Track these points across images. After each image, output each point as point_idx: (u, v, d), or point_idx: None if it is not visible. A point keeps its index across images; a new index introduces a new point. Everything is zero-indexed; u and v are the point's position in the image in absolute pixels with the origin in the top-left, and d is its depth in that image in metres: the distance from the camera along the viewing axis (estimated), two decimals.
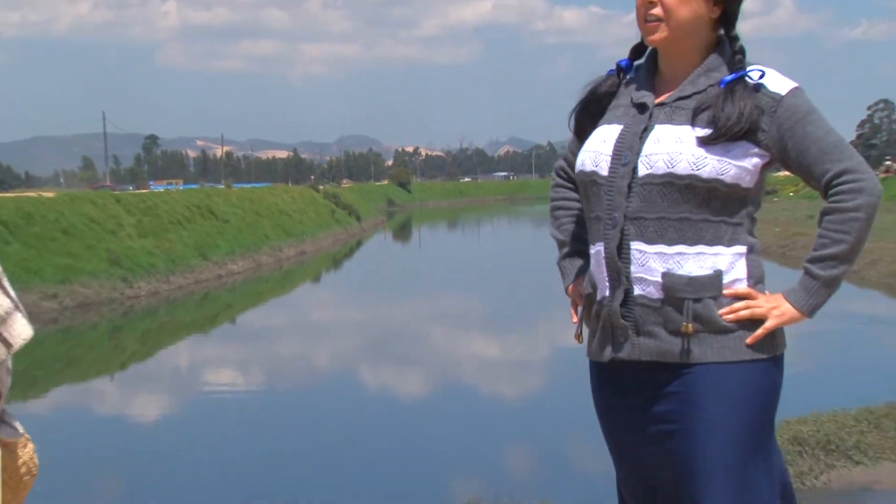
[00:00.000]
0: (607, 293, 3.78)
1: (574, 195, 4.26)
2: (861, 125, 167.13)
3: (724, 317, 3.62)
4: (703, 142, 3.64)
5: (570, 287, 4.22)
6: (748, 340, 3.62)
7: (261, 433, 24.46)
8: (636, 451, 3.92)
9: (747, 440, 3.72)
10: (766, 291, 3.78)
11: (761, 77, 3.67)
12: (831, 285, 3.61)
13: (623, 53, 4.01)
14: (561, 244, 4.31)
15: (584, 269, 4.14)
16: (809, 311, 3.61)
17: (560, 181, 4.39)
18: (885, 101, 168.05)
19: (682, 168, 3.62)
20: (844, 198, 3.56)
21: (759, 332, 3.62)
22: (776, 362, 3.74)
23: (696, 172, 3.61)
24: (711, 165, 3.61)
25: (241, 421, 26.38)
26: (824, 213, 3.63)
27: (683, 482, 3.79)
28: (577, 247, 4.23)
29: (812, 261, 3.60)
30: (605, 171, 3.78)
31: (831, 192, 3.58)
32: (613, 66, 4.00)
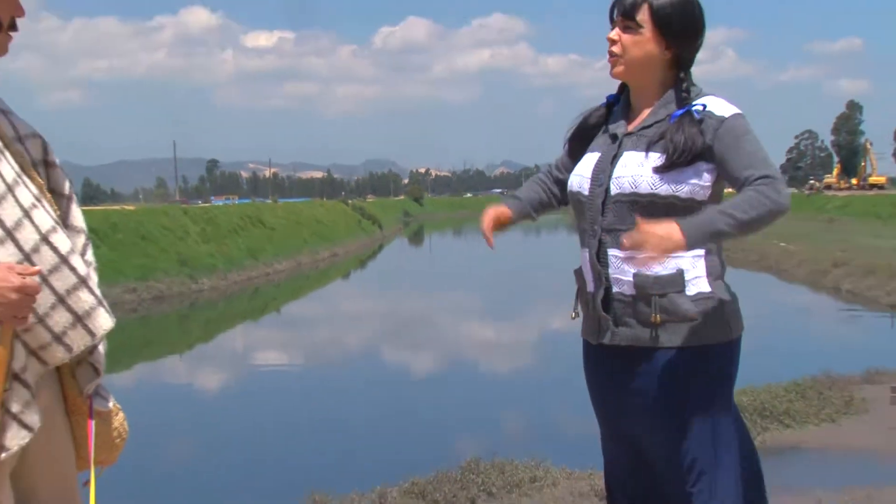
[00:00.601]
0: (592, 289, 3.86)
1: (545, 178, 4.50)
2: (790, 151, 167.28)
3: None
4: (659, 168, 3.72)
5: (498, 207, 4.33)
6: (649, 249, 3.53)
7: (298, 400, 24.61)
8: (616, 418, 3.99)
9: (711, 410, 3.76)
10: (727, 286, 3.83)
11: (704, 109, 3.75)
12: (715, 235, 3.61)
13: (596, 93, 4.12)
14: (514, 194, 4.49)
15: (515, 203, 4.41)
16: (688, 238, 3.49)
17: (543, 174, 4.51)
18: (809, 132, 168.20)
19: (644, 188, 3.73)
20: (763, 189, 3.56)
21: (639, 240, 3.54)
22: (732, 345, 3.79)
23: (656, 191, 3.73)
24: (667, 185, 3.73)
25: (283, 390, 26.56)
26: (744, 188, 3.61)
27: (658, 447, 3.83)
28: (524, 194, 4.48)
29: (719, 211, 3.59)
30: (586, 192, 3.92)
31: (753, 183, 3.59)
32: (594, 102, 4.09)
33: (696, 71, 3.98)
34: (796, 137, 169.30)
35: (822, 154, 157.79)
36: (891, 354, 22.37)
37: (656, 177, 3.73)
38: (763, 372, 17.54)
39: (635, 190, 3.75)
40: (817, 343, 27.11)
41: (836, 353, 22.79)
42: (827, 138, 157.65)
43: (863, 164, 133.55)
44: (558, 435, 16.75)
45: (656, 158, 3.73)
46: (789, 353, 21.56)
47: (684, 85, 3.85)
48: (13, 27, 3.38)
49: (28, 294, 3.11)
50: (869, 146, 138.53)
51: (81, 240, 3.59)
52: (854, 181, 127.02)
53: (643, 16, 3.80)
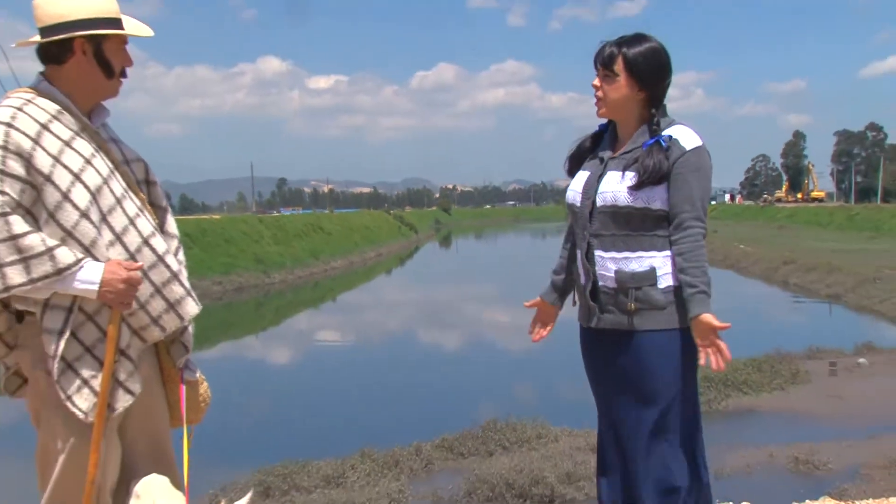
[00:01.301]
0: (583, 282, 3.88)
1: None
2: (747, 171, 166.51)
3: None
4: (633, 186, 3.74)
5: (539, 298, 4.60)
6: (716, 367, 3.69)
7: (350, 370, 24.66)
8: (606, 388, 3.98)
9: (676, 383, 3.75)
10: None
11: (670, 139, 3.76)
12: (709, 291, 3.71)
13: (589, 123, 4.15)
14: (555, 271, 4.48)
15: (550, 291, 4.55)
16: (709, 312, 3.66)
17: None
18: (763, 155, 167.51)
19: (622, 201, 3.76)
20: (692, 236, 3.72)
21: (707, 348, 3.73)
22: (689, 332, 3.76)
23: (632, 205, 3.75)
24: (641, 200, 3.74)
25: (337, 362, 26.64)
26: (684, 242, 3.73)
27: (630, 409, 3.83)
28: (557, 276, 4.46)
29: (695, 280, 3.68)
30: (578, 203, 3.93)
31: (685, 225, 3.72)
32: (590, 131, 4.09)
33: (671, 106, 3.98)
34: (753, 160, 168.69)
35: (774, 173, 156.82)
36: (829, 335, 22.45)
37: (632, 193, 3.74)
38: (728, 349, 17.51)
39: (615, 203, 3.76)
40: (770, 326, 27.04)
41: (785, 334, 22.76)
42: (777, 161, 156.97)
43: (806, 181, 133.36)
44: (559, 401, 16.74)
45: (631, 178, 3.74)
46: (748, 335, 21.45)
47: (655, 119, 3.85)
48: (124, 74, 3.48)
49: (132, 285, 3.23)
50: (811, 167, 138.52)
51: (175, 243, 3.69)
52: (799, 195, 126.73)
53: (619, 65, 3.83)
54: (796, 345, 20.13)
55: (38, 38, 3.35)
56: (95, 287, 3.18)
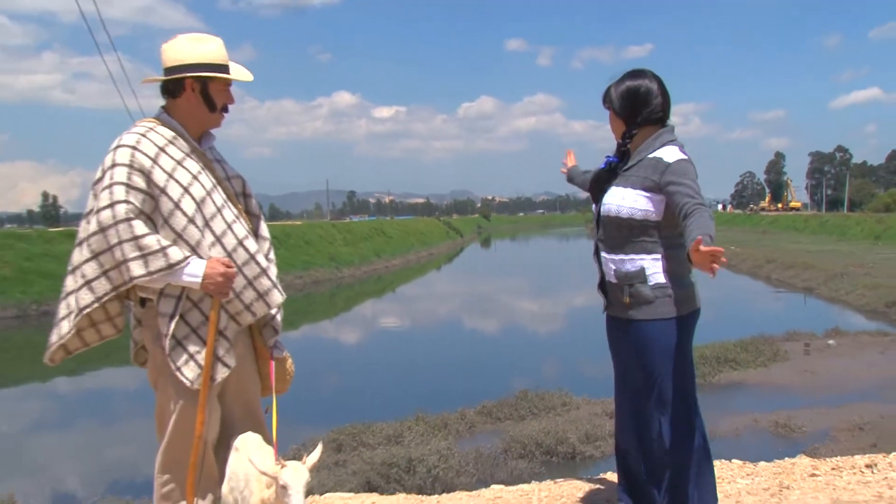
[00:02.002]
0: (599, 277, 3.88)
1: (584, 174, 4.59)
2: (736, 185, 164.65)
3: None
4: (632, 197, 3.74)
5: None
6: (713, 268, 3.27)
7: (407, 347, 24.70)
8: (620, 362, 3.95)
9: (667, 363, 3.73)
10: (693, 279, 3.80)
11: (654, 158, 3.71)
12: (710, 234, 3.36)
13: (605, 146, 4.15)
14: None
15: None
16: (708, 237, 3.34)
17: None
18: (750, 172, 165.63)
19: (624, 213, 3.72)
20: (703, 211, 3.47)
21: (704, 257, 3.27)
22: (682, 319, 3.72)
23: (630, 216, 3.71)
24: (636, 209, 3.70)
25: (397, 340, 26.70)
26: (692, 212, 3.46)
27: (637, 382, 3.82)
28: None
29: (708, 224, 3.40)
30: (594, 212, 3.90)
31: (693, 209, 3.48)
32: (605, 152, 4.06)
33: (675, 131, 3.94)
34: (741, 176, 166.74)
35: (758, 187, 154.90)
36: (804, 321, 22.24)
37: (630, 204, 3.70)
38: (720, 333, 17.48)
39: (617, 213, 3.73)
40: (755, 313, 26.78)
41: (768, 320, 22.51)
42: (761, 177, 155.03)
43: (785, 194, 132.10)
44: (580, 375, 16.67)
45: (629, 192, 3.72)
46: (737, 321, 21.36)
47: (625, 141, 3.84)
48: (225, 110, 3.61)
49: (228, 278, 3.36)
50: (789, 182, 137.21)
51: (266, 244, 3.79)
52: (780, 205, 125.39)
53: (609, 103, 3.88)
54: (777, 329, 19.99)
55: (157, 76, 3.54)
56: (199, 279, 3.32)
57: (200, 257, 3.37)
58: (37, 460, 14.25)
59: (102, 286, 3.35)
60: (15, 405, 19.45)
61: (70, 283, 3.45)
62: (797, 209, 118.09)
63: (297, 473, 3.11)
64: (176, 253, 3.29)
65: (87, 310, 3.38)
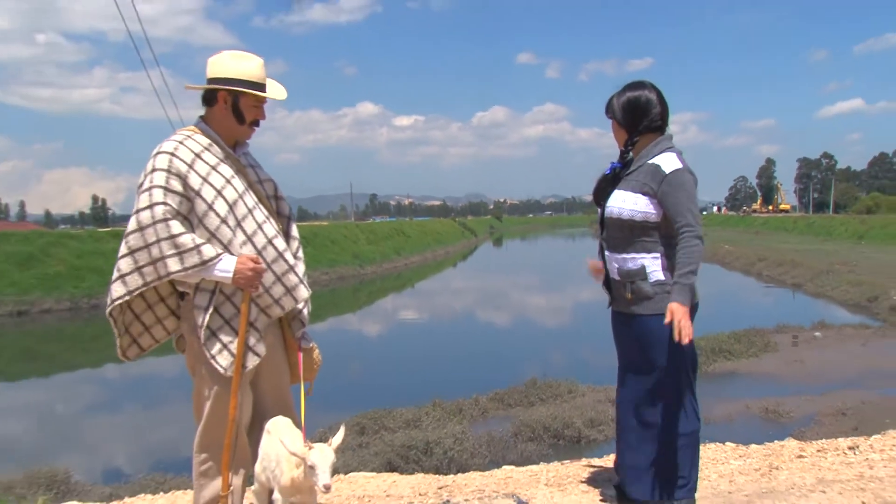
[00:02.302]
0: (604, 274, 3.86)
1: None
2: (730, 189, 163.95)
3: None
4: (633, 199, 3.73)
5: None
6: (679, 338, 3.49)
7: (424, 338, 24.69)
8: (623, 353, 3.94)
9: (666, 353, 3.71)
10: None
11: (653, 164, 3.70)
12: (691, 285, 3.54)
13: (609, 152, 4.08)
14: None
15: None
16: (685, 302, 3.51)
17: None
18: (743, 177, 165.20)
19: (626, 215, 3.70)
20: (686, 240, 3.56)
21: (675, 324, 3.51)
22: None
23: (631, 217, 3.70)
24: (636, 210, 3.68)
25: (415, 331, 26.68)
26: (679, 248, 3.58)
27: (641, 374, 3.80)
28: None
29: (680, 276, 3.54)
30: (598, 214, 3.88)
31: (680, 234, 3.58)
32: (609, 158, 4.04)
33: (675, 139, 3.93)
34: (734, 180, 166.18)
35: (751, 190, 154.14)
36: (792, 315, 22.14)
37: (630, 206, 3.70)
38: (715, 326, 17.39)
39: (619, 215, 3.73)
40: (747, 307, 26.71)
41: (759, 314, 22.45)
42: (753, 181, 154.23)
43: (776, 197, 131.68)
44: (585, 364, 16.61)
45: (629, 195, 3.72)
46: (731, 314, 21.27)
47: (627, 149, 3.84)
48: (256, 124, 3.62)
49: (257, 273, 3.39)
50: (779, 186, 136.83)
51: (296, 243, 3.79)
52: (770, 208, 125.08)
53: (611, 113, 3.88)
54: (767, 322, 19.97)
55: (194, 84, 3.60)
56: (230, 275, 3.36)
57: (232, 255, 3.40)
58: (88, 439, 14.36)
59: (135, 280, 3.40)
60: (69, 390, 19.59)
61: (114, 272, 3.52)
62: (786, 211, 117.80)
63: (323, 454, 3.16)
64: (209, 250, 3.34)
65: (119, 301, 3.44)
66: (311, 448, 3.20)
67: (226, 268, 3.36)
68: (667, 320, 3.52)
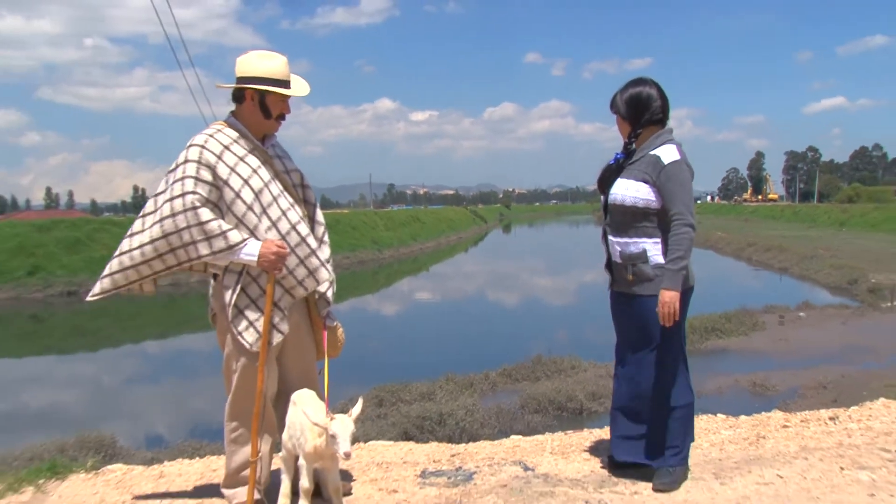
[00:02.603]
0: (606, 257, 3.85)
1: None
2: (723, 180, 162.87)
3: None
4: (635, 187, 3.72)
5: None
6: (663, 322, 3.64)
7: (437, 316, 24.68)
8: (622, 331, 3.92)
9: (664, 331, 3.70)
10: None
11: (654, 155, 3.71)
12: (680, 272, 3.60)
13: (612, 145, 4.08)
14: None
15: None
16: (675, 288, 3.59)
17: None
18: (734, 168, 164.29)
19: (629, 201, 3.70)
20: (678, 228, 3.61)
21: (660, 309, 3.65)
22: (683, 294, 3.69)
23: (634, 204, 3.69)
24: (639, 198, 3.67)
25: (429, 310, 26.68)
26: (671, 235, 3.65)
27: (640, 350, 3.80)
28: None
29: (670, 263, 3.60)
30: (602, 201, 3.86)
31: (673, 222, 3.62)
32: (611, 151, 4.02)
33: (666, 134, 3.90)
34: (726, 171, 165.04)
35: (742, 181, 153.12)
36: (779, 296, 22.10)
37: (632, 193, 3.69)
38: (707, 306, 17.30)
39: (622, 202, 3.72)
40: (737, 289, 26.57)
41: (748, 295, 22.37)
42: (744, 172, 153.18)
43: (765, 187, 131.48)
44: (587, 342, 16.58)
45: (631, 183, 3.71)
46: (722, 296, 21.18)
47: (631, 140, 3.83)
48: (282, 118, 3.63)
49: (281, 257, 3.42)
50: (768, 177, 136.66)
51: (321, 228, 3.83)
52: (759, 197, 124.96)
53: (615, 109, 3.86)
54: (756, 303, 19.92)
55: (223, 83, 3.63)
56: (255, 258, 3.41)
57: (258, 240, 3.44)
58: (131, 408, 14.44)
59: (171, 259, 3.49)
60: (113, 363, 19.71)
61: (125, 244, 3.59)
62: (774, 201, 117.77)
63: (344, 425, 3.20)
64: (235, 236, 3.40)
65: (152, 276, 3.56)
66: (332, 419, 3.23)
67: (251, 252, 3.40)
68: (658, 307, 3.62)
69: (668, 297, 3.60)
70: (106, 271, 3.65)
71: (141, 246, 3.51)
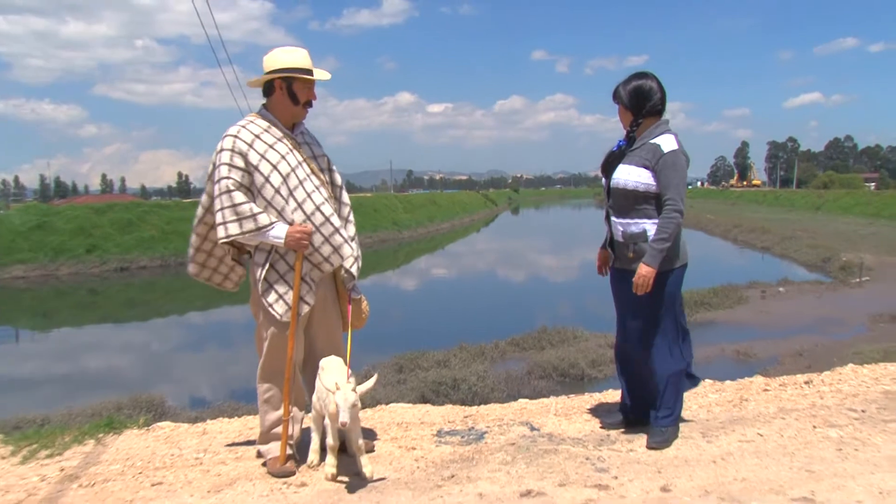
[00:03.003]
0: (608, 236, 3.82)
1: None
2: (712, 167, 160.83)
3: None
4: (636, 173, 3.69)
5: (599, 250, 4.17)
6: (635, 291, 3.68)
7: (452, 289, 24.66)
8: (621, 304, 3.91)
9: (661, 302, 3.71)
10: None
11: (654, 144, 3.69)
12: (661, 252, 3.60)
13: (612, 135, 4.06)
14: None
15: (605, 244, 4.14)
16: (653, 265, 3.61)
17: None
18: (722, 156, 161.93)
19: (630, 185, 3.68)
20: (668, 212, 3.61)
21: (636, 280, 3.67)
22: (675, 270, 3.70)
23: (635, 188, 3.66)
24: (640, 182, 3.65)
25: (444, 284, 26.63)
26: (661, 218, 3.65)
27: (638, 320, 3.79)
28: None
29: (654, 242, 3.60)
30: (604, 185, 3.83)
31: (665, 206, 3.63)
32: (612, 140, 4.00)
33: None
34: (715, 159, 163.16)
35: (728, 168, 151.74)
36: (761, 273, 22.07)
37: (634, 178, 3.66)
38: (697, 282, 17.25)
39: (624, 185, 3.69)
40: (724, 266, 26.47)
41: (734, 272, 22.32)
42: (731, 160, 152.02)
43: (749, 174, 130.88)
44: (589, 314, 16.53)
45: (634, 169, 3.68)
46: (711, 272, 21.08)
47: (632, 129, 3.78)
48: (309, 104, 3.65)
49: (306, 234, 3.46)
50: (752, 165, 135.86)
51: (346, 209, 3.86)
52: (745, 183, 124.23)
53: (619, 99, 3.82)
54: (741, 279, 19.91)
55: (255, 78, 3.67)
56: (282, 240, 3.46)
57: (286, 220, 3.49)
58: (178, 372, 14.56)
59: (209, 241, 3.68)
60: (160, 332, 19.86)
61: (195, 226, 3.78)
62: (758, 186, 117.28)
63: (344, 396, 3.22)
64: (264, 219, 3.45)
65: (192, 251, 3.76)
66: (338, 389, 3.25)
67: (278, 234, 3.46)
68: (634, 278, 3.66)
69: (645, 272, 3.62)
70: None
71: (197, 222, 3.71)
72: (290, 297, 3.53)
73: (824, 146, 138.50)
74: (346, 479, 3.42)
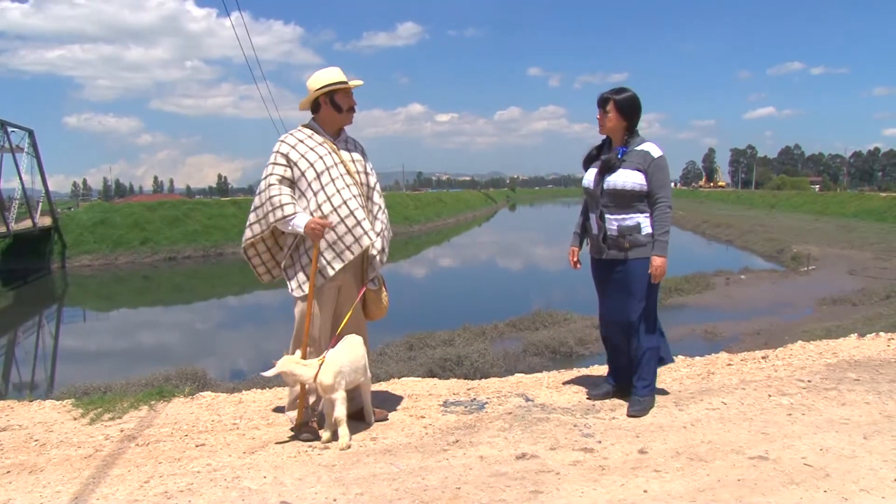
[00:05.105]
0: (596, 232, 3.78)
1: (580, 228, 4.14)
2: (683, 170, 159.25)
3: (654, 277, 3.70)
4: (632, 176, 3.68)
5: (571, 247, 4.15)
6: (654, 280, 3.69)
7: (456, 276, 24.67)
8: (606, 291, 3.89)
9: (649, 287, 3.71)
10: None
11: (643, 150, 3.70)
12: (666, 242, 3.65)
13: (594, 141, 3.98)
14: (575, 231, 4.17)
15: (575, 240, 4.13)
16: (664, 254, 3.64)
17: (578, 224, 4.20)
18: (692, 161, 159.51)
19: (628, 187, 3.67)
20: (663, 208, 3.67)
21: (653, 271, 3.68)
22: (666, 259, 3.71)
23: (632, 188, 3.67)
24: (636, 183, 3.64)
25: (448, 272, 26.62)
26: (655, 214, 3.70)
27: (624, 302, 3.77)
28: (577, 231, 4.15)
29: (659, 234, 3.63)
30: (592, 187, 3.80)
31: (658, 203, 3.67)
32: (593, 144, 3.96)
33: (643, 133, 3.85)
34: (686, 163, 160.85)
35: (698, 171, 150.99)
36: (726, 263, 22.18)
37: (627, 180, 3.64)
38: (672, 270, 17.16)
39: (623, 187, 3.67)
40: (695, 257, 26.50)
41: (703, 261, 22.34)
42: (700, 164, 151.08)
43: (715, 176, 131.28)
44: (578, 299, 16.54)
45: (630, 172, 3.65)
46: (682, 262, 21.07)
47: (627, 137, 3.74)
48: (352, 110, 3.71)
49: (321, 226, 3.45)
50: (718, 168, 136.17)
51: (377, 208, 3.81)
52: (711, 184, 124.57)
53: (610, 106, 3.77)
54: (708, 267, 20.03)
55: (304, 100, 3.69)
56: (301, 229, 3.47)
57: (317, 209, 3.53)
58: (218, 349, 14.62)
59: (258, 227, 3.66)
60: (202, 313, 19.94)
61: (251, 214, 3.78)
62: (723, 187, 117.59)
63: (321, 376, 3.32)
64: (289, 209, 3.53)
65: (246, 241, 3.75)
66: (320, 369, 3.33)
67: (299, 223, 3.49)
68: (650, 270, 3.67)
69: (659, 262, 3.66)
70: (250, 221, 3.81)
71: (252, 210, 3.72)
72: (305, 278, 3.58)
73: (778, 153, 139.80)
74: (362, 444, 3.42)
